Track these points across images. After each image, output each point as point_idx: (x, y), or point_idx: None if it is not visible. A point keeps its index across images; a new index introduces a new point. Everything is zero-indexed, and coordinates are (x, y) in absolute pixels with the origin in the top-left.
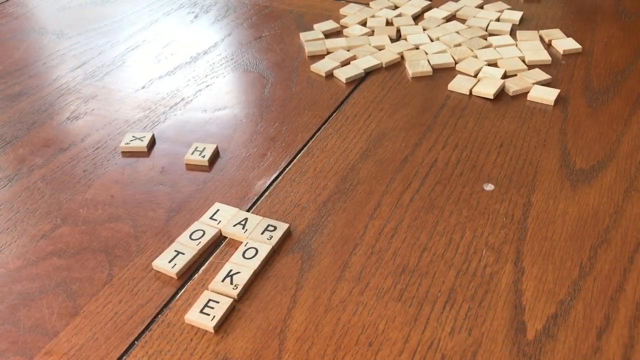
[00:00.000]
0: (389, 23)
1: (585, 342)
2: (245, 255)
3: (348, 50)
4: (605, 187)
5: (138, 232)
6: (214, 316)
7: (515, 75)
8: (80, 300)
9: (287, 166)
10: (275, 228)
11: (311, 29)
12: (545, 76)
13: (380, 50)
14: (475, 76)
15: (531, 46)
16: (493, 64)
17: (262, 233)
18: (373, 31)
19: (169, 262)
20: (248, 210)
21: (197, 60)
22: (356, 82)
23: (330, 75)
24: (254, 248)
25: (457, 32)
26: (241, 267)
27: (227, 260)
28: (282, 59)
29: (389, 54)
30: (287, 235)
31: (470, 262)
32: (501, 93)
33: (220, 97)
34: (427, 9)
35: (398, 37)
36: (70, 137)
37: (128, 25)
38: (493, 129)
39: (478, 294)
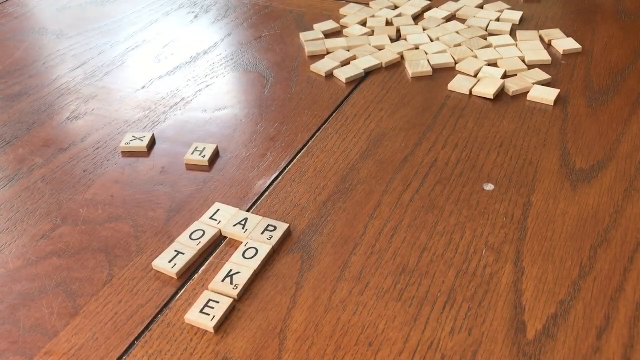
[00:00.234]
0: (389, 23)
1: (585, 342)
2: (245, 255)
3: (348, 50)
4: (605, 187)
5: (138, 232)
6: (214, 316)
7: (515, 75)
8: (80, 300)
9: (287, 166)
10: (275, 228)
11: (311, 29)
12: (545, 76)
13: (380, 50)
14: (475, 76)
15: (531, 46)
16: (493, 64)
17: (262, 233)
18: (373, 31)
19: (169, 262)
20: (248, 210)
21: (197, 60)
22: (356, 82)
23: (330, 75)
24: (254, 248)
25: (457, 32)
26: (241, 267)
27: (227, 260)
28: (282, 59)
29: (389, 54)
30: (287, 235)
31: (470, 262)
32: (501, 93)
33: (220, 97)
34: (427, 9)
35: (398, 37)
36: (70, 137)
37: (128, 25)
38: (493, 129)
39: (478, 294)
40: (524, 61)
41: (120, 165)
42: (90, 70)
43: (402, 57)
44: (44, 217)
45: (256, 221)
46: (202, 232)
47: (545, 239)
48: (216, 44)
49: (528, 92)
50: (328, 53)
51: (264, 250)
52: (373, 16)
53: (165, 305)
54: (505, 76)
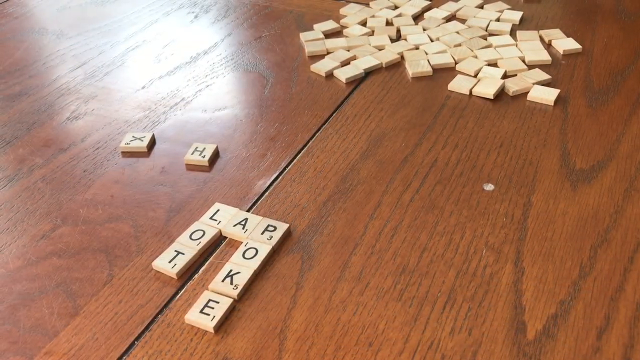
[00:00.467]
0: (389, 23)
1: (585, 342)
2: (245, 255)
3: (348, 50)
4: (605, 187)
5: (138, 232)
6: (214, 316)
7: (515, 75)
8: (80, 301)
9: (287, 166)
10: (275, 228)
11: (311, 29)
12: (545, 76)
13: (380, 50)
14: (475, 76)
15: (531, 46)
16: (493, 64)
17: (262, 233)
18: (373, 31)
19: (169, 262)
20: (248, 211)
21: (197, 60)
22: (356, 82)
23: (330, 75)
24: (254, 248)
25: (457, 32)
26: (241, 267)
27: (227, 260)
28: (282, 59)
29: (389, 54)
30: (287, 235)
31: (470, 262)
32: (501, 93)
33: (220, 97)
34: (427, 9)
35: (398, 37)
36: (70, 137)
37: (128, 25)
38: (493, 129)
39: (478, 294)
40: (524, 61)
41: (120, 165)
42: (90, 70)
43: (402, 57)
44: (44, 217)
45: (256, 221)
46: (202, 232)
47: (545, 239)
48: (216, 44)
49: (528, 92)
50: (328, 53)
51: (264, 250)
52: (373, 16)
53: (165, 305)
54: (505, 76)
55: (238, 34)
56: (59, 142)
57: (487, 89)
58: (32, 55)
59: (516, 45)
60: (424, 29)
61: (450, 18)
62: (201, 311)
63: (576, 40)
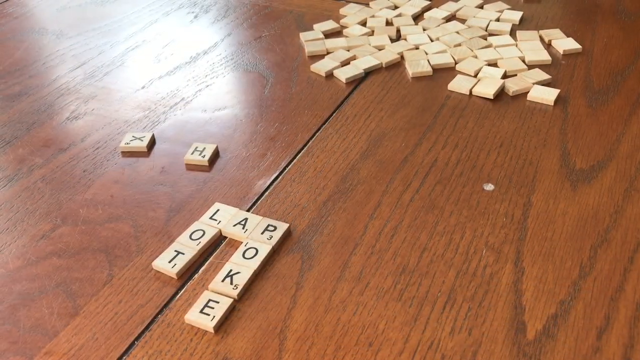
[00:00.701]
0: (389, 23)
1: (585, 342)
2: (245, 255)
3: (348, 50)
4: (605, 187)
5: (138, 232)
6: (214, 316)
7: (515, 75)
8: (80, 300)
9: (287, 166)
10: (275, 228)
11: (311, 29)
12: (545, 76)
13: (380, 50)
14: (475, 76)
15: (531, 46)
16: (493, 64)
17: (262, 233)
18: (373, 31)
19: (169, 262)
20: (248, 210)
21: (197, 60)
22: (356, 82)
23: (330, 75)
24: (254, 248)
25: (457, 32)
26: (241, 267)
27: (227, 260)
28: (282, 59)
29: (389, 54)
30: (287, 235)
31: (470, 262)
32: (501, 93)
33: (220, 97)
34: (427, 9)
35: (398, 37)
36: (70, 137)
37: (128, 25)
38: (493, 129)
39: (478, 294)
40: (524, 61)
41: (120, 165)
42: (90, 70)
43: (402, 57)
44: (44, 217)
45: (256, 221)
46: (202, 232)
47: (545, 239)
48: (216, 44)
49: (528, 92)
50: (328, 53)
51: (264, 250)
52: (373, 16)
53: (165, 305)
54: (505, 76)
55: (238, 34)
56: (59, 142)
57: (487, 89)
58: (32, 55)
59: (516, 45)
60: (424, 29)
61: (450, 18)
62: (201, 311)
63: (576, 40)
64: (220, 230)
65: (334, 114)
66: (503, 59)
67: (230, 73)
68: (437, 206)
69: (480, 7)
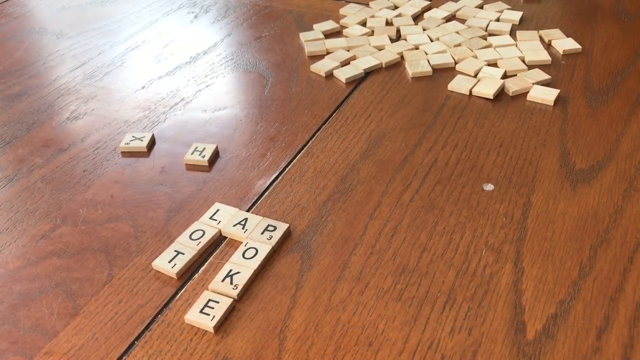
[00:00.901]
0: (388, 23)
1: (585, 342)
2: (245, 255)
3: (348, 50)
4: (605, 187)
5: (138, 232)
6: (214, 316)
7: (515, 75)
8: (80, 300)
9: (287, 166)
10: (275, 228)
11: (311, 29)
12: (545, 76)
13: (380, 50)
14: (475, 76)
15: (531, 46)
16: (493, 64)
17: (262, 233)
18: (373, 31)
19: (169, 262)
20: (248, 210)
21: (197, 60)
22: (356, 82)
23: (330, 75)
24: (254, 248)
25: (457, 32)
26: (241, 267)
27: (227, 260)
28: (282, 59)
29: (389, 54)
30: (287, 235)
31: (470, 262)
32: (501, 93)
33: (220, 97)
34: (427, 9)
35: (398, 37)
36: (70, 137)
37: (128, 25)
38: (493, 129)
39: (478, 294)
40: (523, 61)
41: (120, 165)
42: (90, 71)
43: (402, 57)
44: (44, 217)
45: (256, 221)
46: (202, 232)
47: (545, 239)
48: (216, 44)
49: (528, 92)
50: (328, 53)
51: (264, 250)
52: (373, 16)
53: (165, 305)
54: (505, 76)
55: (238, 34)
56: (59, 142)
57: (487, 89)
58: (32, 55)
59: (516, 45)
60: (424, 29)
61: (450, 18)
62: (201, 311)
63: (576, 40)
64: (220, 230)
65: (334, 114)
66: (503, 59)
67: (230, 73)
68: (437, 206)
69: (480, 7)
